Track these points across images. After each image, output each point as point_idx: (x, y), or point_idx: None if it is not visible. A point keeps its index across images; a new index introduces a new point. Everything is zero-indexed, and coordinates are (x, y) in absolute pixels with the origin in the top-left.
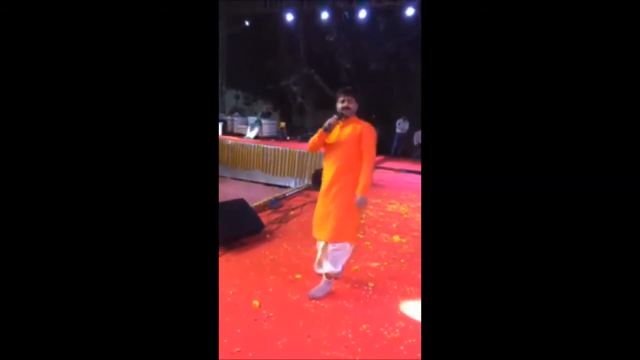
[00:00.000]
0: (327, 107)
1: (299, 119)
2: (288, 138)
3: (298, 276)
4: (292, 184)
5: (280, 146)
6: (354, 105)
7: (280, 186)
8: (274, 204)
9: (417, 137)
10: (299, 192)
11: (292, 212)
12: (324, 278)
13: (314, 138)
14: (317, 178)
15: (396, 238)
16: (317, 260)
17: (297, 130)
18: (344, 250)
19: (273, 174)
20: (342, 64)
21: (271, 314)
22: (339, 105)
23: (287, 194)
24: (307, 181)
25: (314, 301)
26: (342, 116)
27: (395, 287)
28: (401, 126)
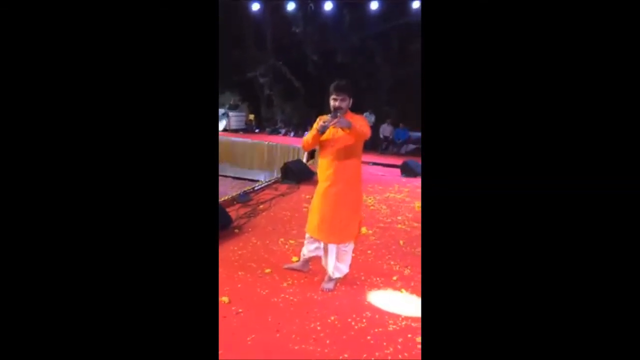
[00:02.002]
0: (295, 98)
1: (267, 111)
2: (257, 130)
3: (267, 270)
4: (261, 178)
5: (249, 139)
6: (347, 103)
7: (249, 180)
8: (242, 198)
9: (384, 130)
10: (268, 185)
11: (261, 206)
12: (332, 275)
13: (308, 138)
14: (286, 171)
15: (363, 230)
16: (325, 262)
17: (266, 122)
18: (351, 248)
19: (242, 167)
20: (310, 56)
21: (240, 310)
22: (332, 104)
23: (256, 188)
24: (276, 175)
25: (283, 295)
26: (336, 116)
27: (363, 278)
28: (386, 130)
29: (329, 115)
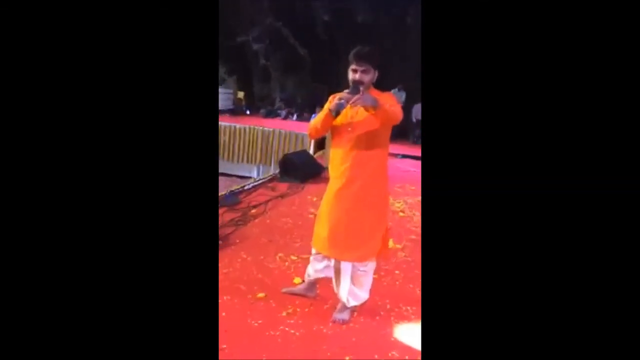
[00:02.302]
0: (299, 70)
1: (262, 87)
2: (248, 112)
3: (261, 295)
4: (254, 174)
5: (237, 123)
6: (371, 76)
7: (238, 176)
8: (228, 200)
9: (417, 112)
10: (263, 184)
11: (253, 211)
12: (347, 303)
13: (316, 122)
14: (287, 166)
15: (390, 243)
16: (337, 285)
17: (260, 101)
18: (372, 267)
19: (229, 159)
20: (319, 14)
21: (224, 346)
22: (351, 77)
23: (246, 187)
24: (273, 170)
25: (282, 328)
26: (356, 92)
27: (388, 306)
28: (396, 98)
29: (346, 91)
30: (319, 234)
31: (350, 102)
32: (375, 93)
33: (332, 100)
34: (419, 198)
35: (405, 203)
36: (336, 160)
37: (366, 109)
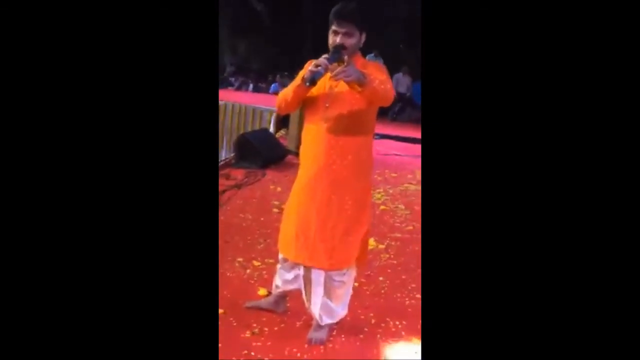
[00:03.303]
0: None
1: None
2: None
3: (219, 312)
4: None
5: None
6: (356, 39)
7: None
8: None
9: (398, 84)
10: None
11: None
12: (320, 321)
13: (286, 93)
14: (243, 148)
15: (371, 243)
16: (308, 299)
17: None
18: (351, 276)
19: None
20: None
21: None
22: (331, 41)
23: None
24: (226, 153)
25: (245, 352)
26: (337, 58)
27: (373, 321)
28: (401, 83)
29: (325, 56)
30: (285, 234)
31: (332, 75)
32: (360, 62)
33: (308, 67)
34: (403, 187)
35: (387, 194)
36: (309, 141)
37: (350, 86)
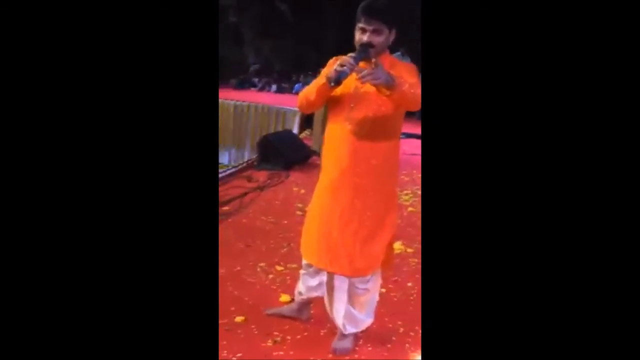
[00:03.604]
0: (279, 31)
1: (232, 52)
2: None
3: (239, 319)
4: (224, 160)
5: None
6: (384, 38)
7: None
8: None
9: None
10: (236, 173)
11: (225, 208)
12: (343, 330)
13: (309, 91)
14: (266, 150)
15: (397, 246)
16: (330, 306)
17: (229, 68)
18: (376, 283)
19: None
20: None
21: None
22: (358, 38)
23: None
24: (248, 155)
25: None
26: (364, 57)
27: (401, 329)
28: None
29: (351, 54)
30: (307, 238)
31: (358, 76)
32: (389, 61)
33: (332, 64)
34: None
35: (415, 195)
36: (331, 142)
37: (378, 89)
